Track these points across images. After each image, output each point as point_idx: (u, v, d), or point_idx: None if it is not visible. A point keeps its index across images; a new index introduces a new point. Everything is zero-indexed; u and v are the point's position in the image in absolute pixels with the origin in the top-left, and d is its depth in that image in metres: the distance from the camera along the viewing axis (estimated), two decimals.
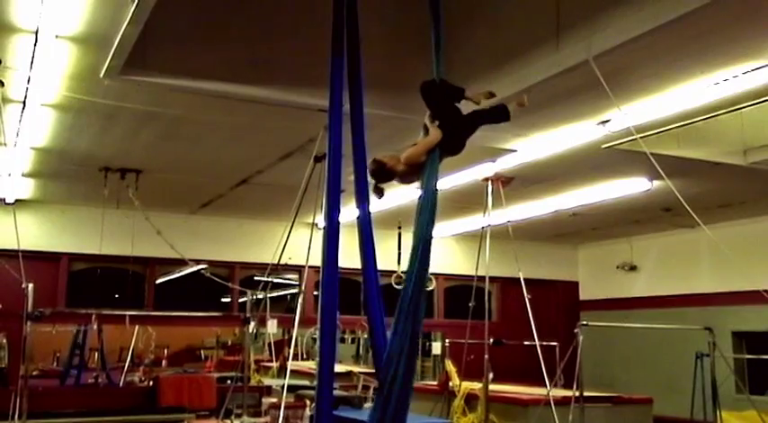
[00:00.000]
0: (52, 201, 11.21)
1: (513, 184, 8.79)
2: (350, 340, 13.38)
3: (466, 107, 4.29)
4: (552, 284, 14.59)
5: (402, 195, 9.65)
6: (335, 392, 7.56)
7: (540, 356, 8.34)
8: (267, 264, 7.33)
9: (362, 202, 4.01)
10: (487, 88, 4.68)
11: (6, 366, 9.77)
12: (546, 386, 8.21)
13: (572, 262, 15.33)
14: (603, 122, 6.85)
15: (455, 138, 4.08)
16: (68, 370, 10.25)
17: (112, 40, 5.01)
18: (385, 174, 4.04)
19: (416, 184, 4.05)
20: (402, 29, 5.61)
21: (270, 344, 11.80)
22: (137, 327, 10.52)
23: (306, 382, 9.31)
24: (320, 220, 4.61)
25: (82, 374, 10.14)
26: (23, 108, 6.67)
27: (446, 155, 4.06)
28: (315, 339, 10.95)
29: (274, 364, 11.30)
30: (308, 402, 8.13)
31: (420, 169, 3.97)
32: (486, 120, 4.34)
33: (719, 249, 9.44)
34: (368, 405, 9.24)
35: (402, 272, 10.19)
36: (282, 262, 6.89)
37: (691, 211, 5.03)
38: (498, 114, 4.40)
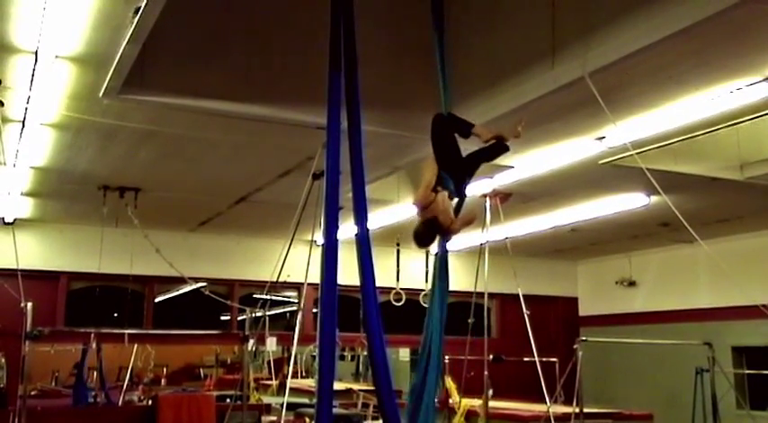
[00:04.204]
0: (51, 220, 11.22)
1: (511, 201, 8.81)
2: (349, 358, 13.32)
3: (472, 144, 4.26)
4: (552, 300, 14.57)
5: (400, 212, 9.69)
6: (335, 410, 7.55)
7: (540, 372, 8.31)
8: (266, 281, 7.32)
9: (361, 218, 4.01)
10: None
11: (5, 386, 9.72)
12: (546, 402, 8.18)
13: (571, 278, 15.33)
14: (600, 138, 6.88)
15: (453, 170, 4.04)
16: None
17: (112, 59, 5.04)
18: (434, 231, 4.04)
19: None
20: (400, 46, 5.66)
21: (269, 362, 11.75)
22: (135, 345, 10.46)
23: (305, 400, 9.27)
24: (319, 237, 4.62)
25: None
26: (23, 128, 6.70)
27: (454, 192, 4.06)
28: (314, 357, 10.92)
29: (274, 382, 11.24)
30: (307, 420, 8.11)
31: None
32: (486, 157, 4.33)
33: (718, 264, 9.45)
34: None
35: (401, 288, 10.19)
36: (281, 279, 6.87)
37: (688, 226, 5.03)
38: (498, 150, 4.40)
